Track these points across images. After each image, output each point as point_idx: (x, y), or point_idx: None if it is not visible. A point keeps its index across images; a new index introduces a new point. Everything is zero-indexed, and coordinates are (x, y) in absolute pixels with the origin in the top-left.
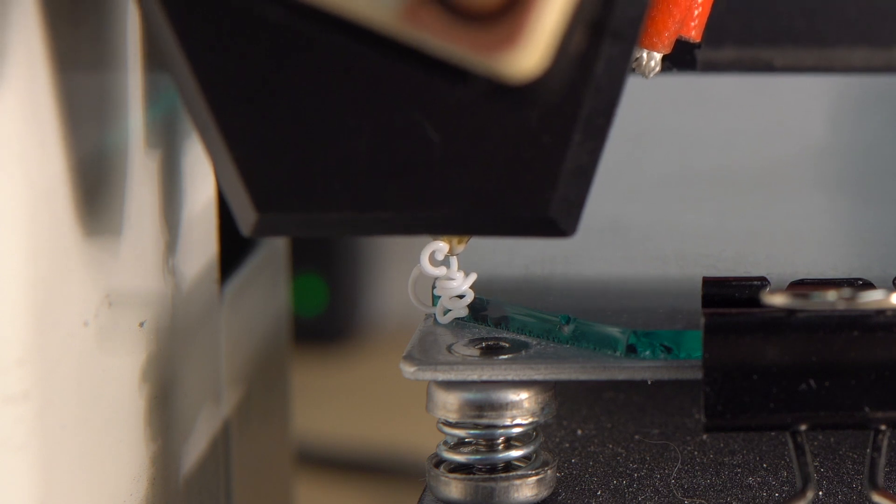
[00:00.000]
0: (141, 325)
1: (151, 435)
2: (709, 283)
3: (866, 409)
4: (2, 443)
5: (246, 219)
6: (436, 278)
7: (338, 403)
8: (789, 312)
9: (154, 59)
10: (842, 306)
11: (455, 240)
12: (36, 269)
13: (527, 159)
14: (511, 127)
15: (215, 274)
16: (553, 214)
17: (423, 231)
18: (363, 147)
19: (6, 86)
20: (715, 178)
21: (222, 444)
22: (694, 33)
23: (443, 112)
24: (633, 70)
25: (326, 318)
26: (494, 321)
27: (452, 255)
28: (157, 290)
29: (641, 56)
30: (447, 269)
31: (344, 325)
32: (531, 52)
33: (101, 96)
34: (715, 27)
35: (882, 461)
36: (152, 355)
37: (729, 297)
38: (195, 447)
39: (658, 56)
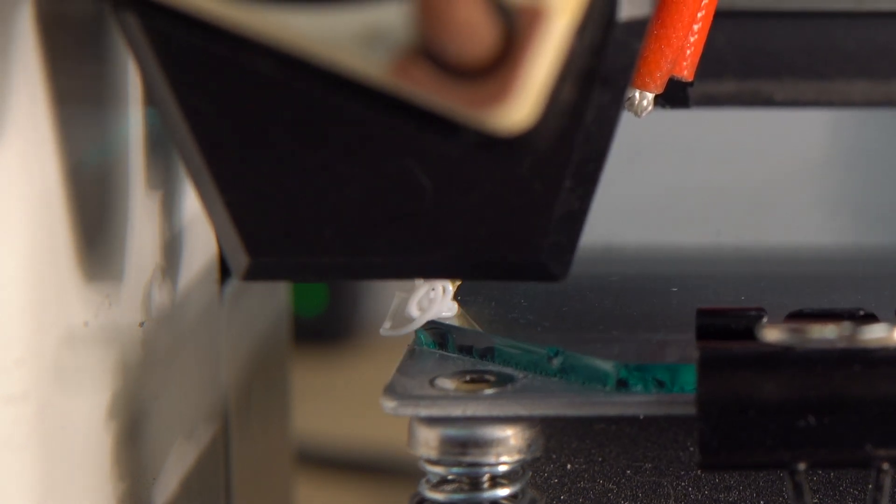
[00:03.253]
0: (141, 325)
1: (151, 435)
2: (703, 313)
3: (868, 446)
4: (2, 443)
5: (238, 263)
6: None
7: (338, 403)
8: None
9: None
10: (842, 345)
11: (448, 281)
12: (36, 269)
13: (518, 206)
14: (502, 175)
15: (215, 274)
16: (544, 259)
17: (416, 276)
18: (355, 193)
19: (7, 86)
20: (711, 196)
21: (222, 444)
22: (686, 73)
23: (434, 160)
24: (625, 109)
25: (326, 318)
26: (479, 353)
27: (445, 293)
28: (157, 291)
29: (634, 95)
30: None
31: (344, 325)
32: (522, 106)
33: (102, 98)
34: (714, 61)
35: (885, 502)
36: (152, 356)
37: (724, 329)
38: (195, 447)
39: (650, 96)
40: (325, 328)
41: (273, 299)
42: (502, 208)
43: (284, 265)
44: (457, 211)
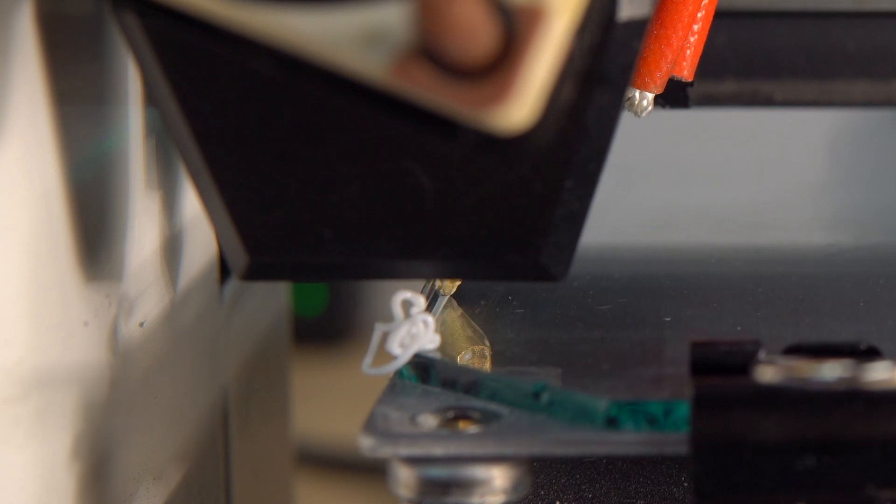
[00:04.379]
0: (141, 325)
1: (149, 435)
2: (698, 347)
3: (870, 487)
4: (2, 443)
5: (238, 263)
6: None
7: (338, 403)
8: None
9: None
10: (841, 388)
11: (448, 281)
12: (36, 269)
13: (518, 206)
14: (502, 175)
15: (215, 274)
16: (544, 260)
17: (416, 276)
18: (355, 194)
19: (7, 86)
20: (710, 200)
21: (222, 444)
22: (686, 73)
23: (434, 161)
24: (625, 109)
25: (326, 318)
26: (464, 387)
27: (446, 294)
28: (157, 290)
29: (634, 96)
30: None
31: (344, 325)
32: (522, 106)
33: (102, 98)
34: (714, 61)
35: None
36: (152, 356)
37: (719, 363)
38: (195, 447)
39: (650, 96)
40: (325, 328)
41: (273, 299)
42: (503, 209)
43: (284, 265)
44: (457, 212)
